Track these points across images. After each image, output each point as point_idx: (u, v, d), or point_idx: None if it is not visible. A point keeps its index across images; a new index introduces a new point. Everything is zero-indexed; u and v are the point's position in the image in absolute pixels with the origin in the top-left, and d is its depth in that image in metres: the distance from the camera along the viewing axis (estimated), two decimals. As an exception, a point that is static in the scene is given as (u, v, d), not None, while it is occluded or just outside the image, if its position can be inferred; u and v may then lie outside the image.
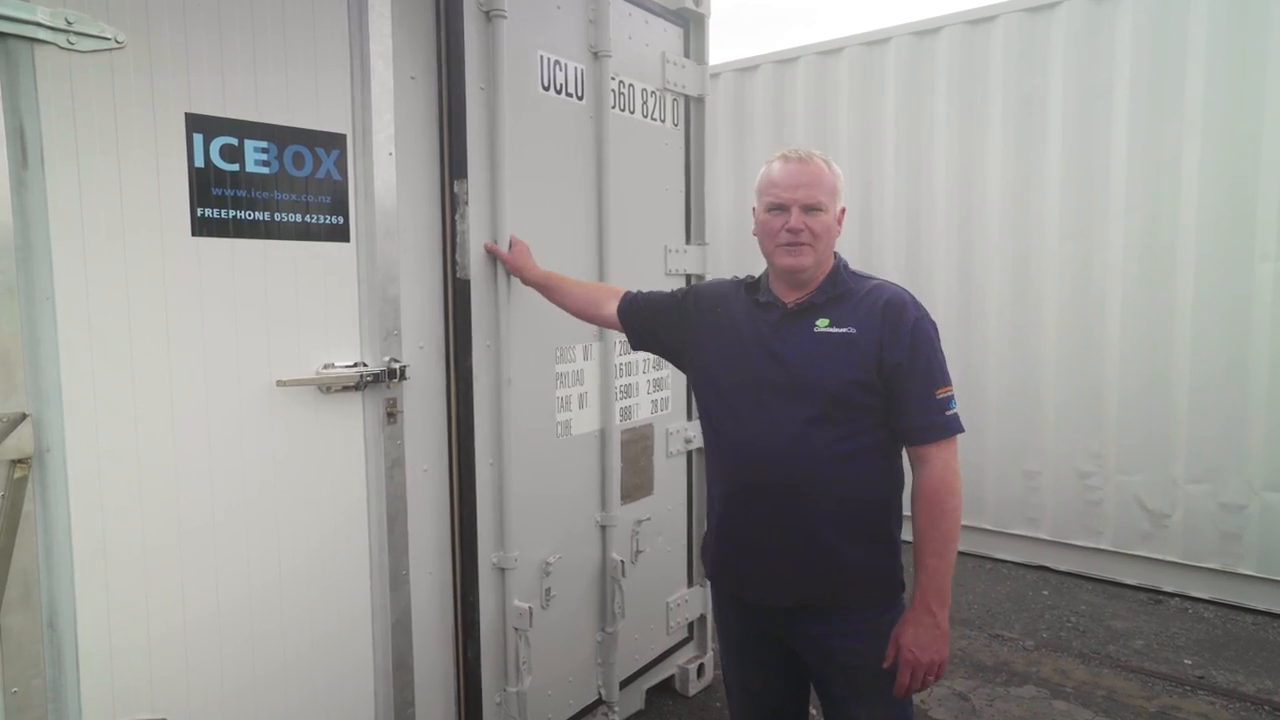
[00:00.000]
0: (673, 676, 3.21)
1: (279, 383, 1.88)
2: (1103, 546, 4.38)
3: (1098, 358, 4.31)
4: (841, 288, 1.83)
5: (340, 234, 1.98)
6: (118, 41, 1.61)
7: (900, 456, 1.85)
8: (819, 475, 1.75)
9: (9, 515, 1.51)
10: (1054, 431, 4.43)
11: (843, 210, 1.86)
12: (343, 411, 2.01)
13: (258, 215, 1.84)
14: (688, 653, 3.27)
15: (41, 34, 1.53)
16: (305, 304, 1.94)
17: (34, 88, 1.53)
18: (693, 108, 3.20)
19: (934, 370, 1.76)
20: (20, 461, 1.52)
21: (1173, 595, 4.16)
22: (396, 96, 2.04)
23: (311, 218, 1.93)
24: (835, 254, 1.88)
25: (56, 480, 1.60)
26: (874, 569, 1.82)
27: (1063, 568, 4.49)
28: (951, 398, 1.76)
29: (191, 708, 1.81)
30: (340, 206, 1.98)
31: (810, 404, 1.75)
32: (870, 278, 1.88)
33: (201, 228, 1.76)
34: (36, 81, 1.54)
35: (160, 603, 1.75)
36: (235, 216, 1.80)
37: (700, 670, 3.26)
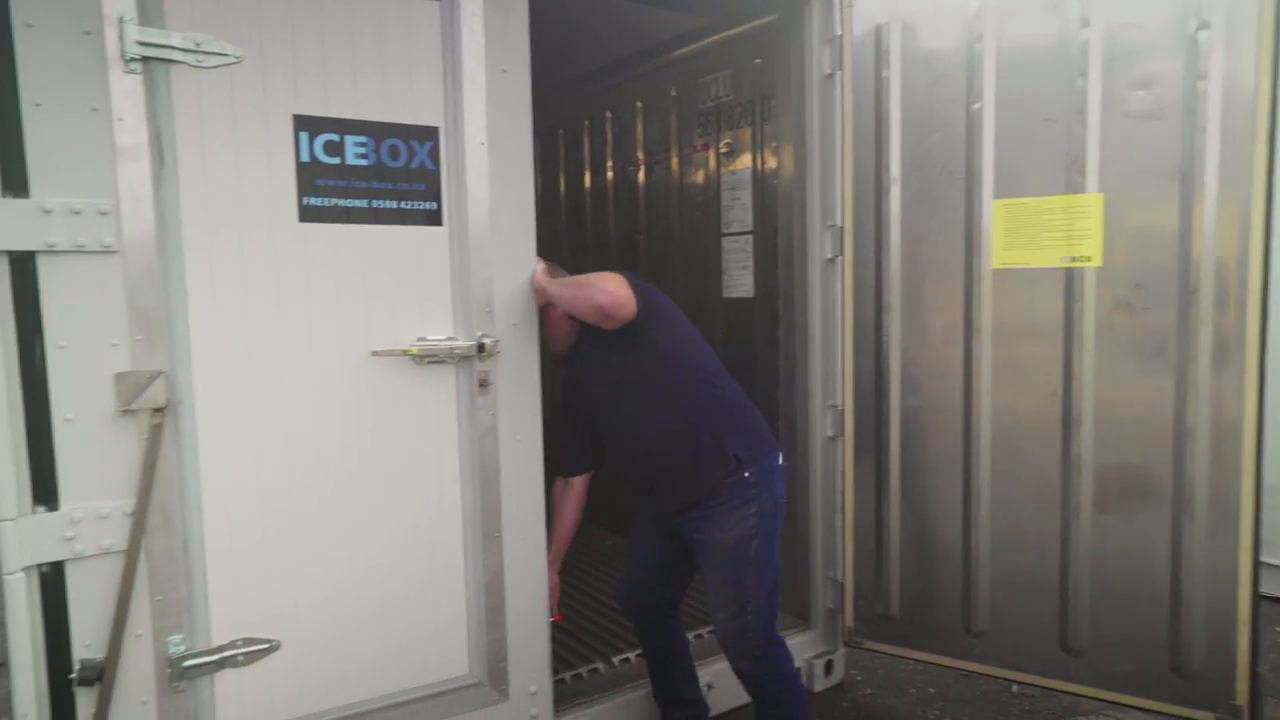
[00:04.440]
0: (799, 669, 3.12)
1: (373, 352, 2.09)
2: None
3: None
4: None
5: (433, 218, 2.17)
6: (236, 57, 1.89)
7: (708, 385, 2.38)
8: (635, 437, 2.45)
9: (149, 453, 1.83)
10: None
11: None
12: (437, 381, 2.20)
13: (357, 203, 2.07)
14: (815, 646, 3.16)
15: (176, 55, 1.83)
16: (401, 282, 2.14)
17: (169, 100, 1.84)
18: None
19: None
20: (157, 410, 1.83)
21: None
22: (488, 90, 2.19)
23: (406, 204, 2.13)
24: None
25: (187, 428, 1.91)
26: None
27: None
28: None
29: (301, 637, 2.07)
30: (433, 193, 2.16)
31: None
32: None
33: (307, 215, 2.01)
34: (171, 95, 1.84)
35: (274, 538, 2.03)
36: (336, 205, 2.04)
37: (829, 667, 3.15)
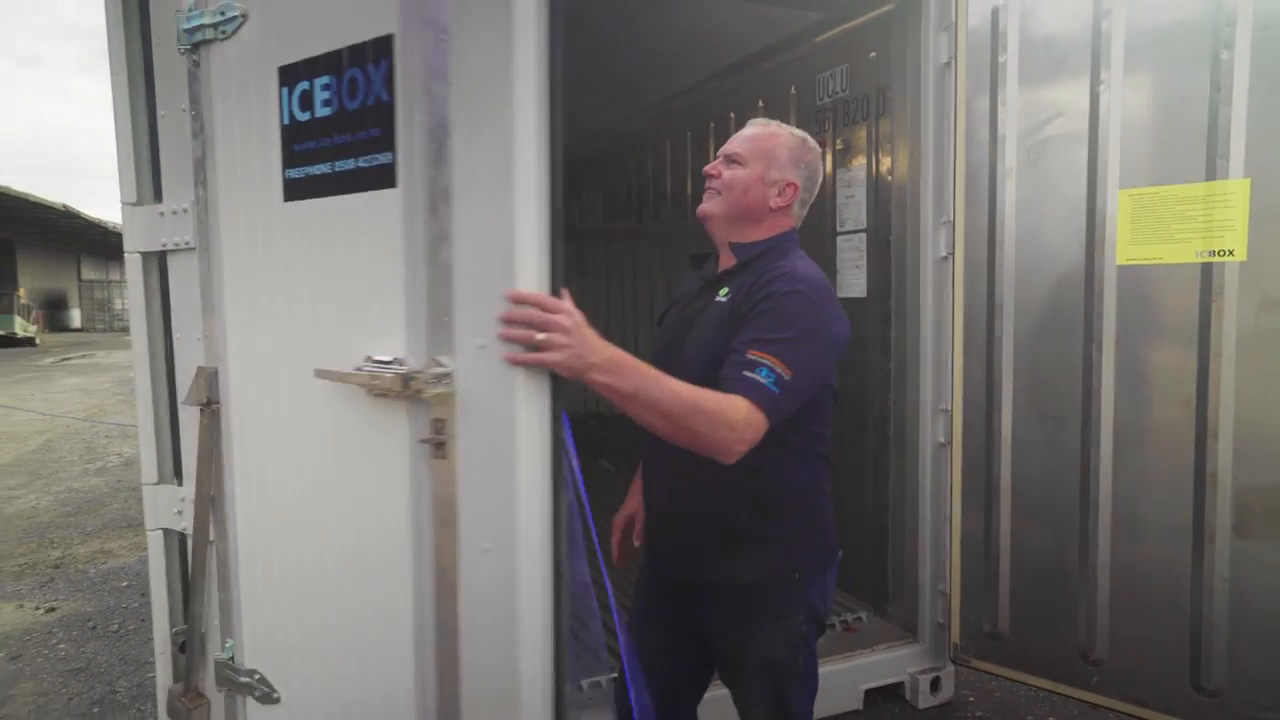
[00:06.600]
0: (901, 683, 3.01)
1: (316, 373, 1.52)
2: None
3: None
4: (752, 254, 1.72)
5: (386, 177, 1.42)
6: (242, 14, 1.61)
7: (807, 454, 1.71)
8: (677, 459, 1.57)
9: (202, 444, 1.79)
10: None
11: (789, 184, 1.74)
12: (390, 425, 1.45)
13: (321, 168, 1.52)
14: (921, 661, 3.03)
15: (209, 34, 1.64)
16: (352, 273, 1.51)
17: (209, 83, 1.67)
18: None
19: (763, 331, 1.54)
20: (203, 406, 1.77)
21: None
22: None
23: (363, 161, 1.46)
24: (792, 231, 1.78)
25: (226, 426, 1.75)
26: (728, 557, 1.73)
27: None
28: (766, 367, 1.49)
29: (274, 655, 1.77)
30: (387, 139, 1.41)
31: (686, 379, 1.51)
32: (800, 261, 1.70)
33: (289, 191, 1.57)
34: (211, 77, 1.67)
35: (275, 577, 1.74)
36: (308, 174, 1.54)
37: (936, 684, 3.00)
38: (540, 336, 1.29)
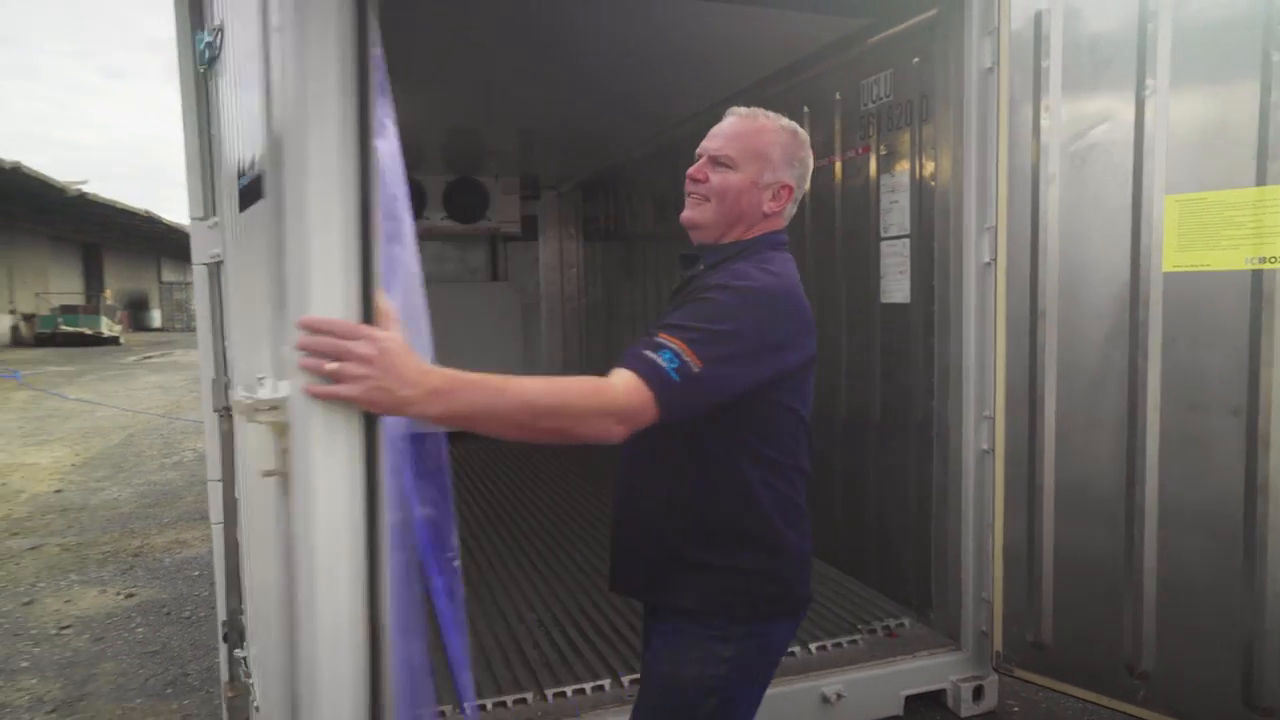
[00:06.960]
0: (943, 690, 2.99)
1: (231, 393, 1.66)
2: None
3: None
4: (721, 256, 1.59)
5: (257, 187, 1.32)
6: (220, 27, 1.66)
7: (763, 486, 1.55)
8: (636, 467, 1.60)
9: (223, 449, 1.99)
10: None
11: (783, 186, 1.61)
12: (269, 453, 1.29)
13: (246, 179, 1.48)
14: (964, 669, 3.01)
15: (210, 51, 1.75)
16: (254, 287, 1.49)
17: (219, 101, 1.78)
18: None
19: (682, 319, 1.40)
20: (218, 412, 1.99)
21: None
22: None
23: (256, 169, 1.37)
24: (773, 234, 1.64)
25: (237, 429, 1.90)
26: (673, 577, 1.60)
27: None
28: (671, 351, 1.33)
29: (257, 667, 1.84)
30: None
31: None
32: (775, 260, 1.57)
33: (242, 202, 1.56)
34: (219, 95, 1.75)
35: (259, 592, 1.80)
36: (244, 186, 1.51)
37: (979, 693, 2.98)
38: (330, 367, 1.06)
